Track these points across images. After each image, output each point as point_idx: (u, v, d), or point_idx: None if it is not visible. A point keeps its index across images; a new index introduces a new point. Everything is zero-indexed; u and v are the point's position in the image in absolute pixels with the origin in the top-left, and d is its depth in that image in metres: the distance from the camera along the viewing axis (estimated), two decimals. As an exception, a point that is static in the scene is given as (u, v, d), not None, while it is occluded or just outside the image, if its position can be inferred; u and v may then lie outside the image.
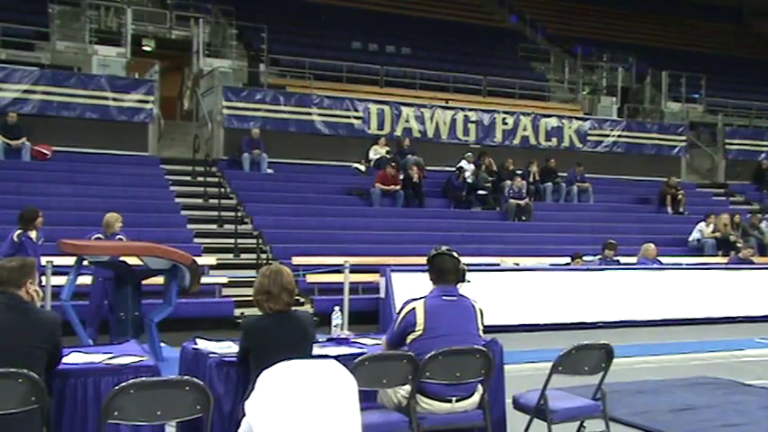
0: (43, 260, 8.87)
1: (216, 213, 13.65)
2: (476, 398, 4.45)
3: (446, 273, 4.49)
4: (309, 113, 16.47)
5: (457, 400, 4.37)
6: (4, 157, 13.60)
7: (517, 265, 12.81)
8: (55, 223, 10.59)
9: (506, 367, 5.04)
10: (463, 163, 16.37)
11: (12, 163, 13.60)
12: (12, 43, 15.81)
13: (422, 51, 21.08)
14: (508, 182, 16.21)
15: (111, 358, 4.16)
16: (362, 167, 16.31)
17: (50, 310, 5.27)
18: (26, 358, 3.55)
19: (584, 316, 11.36)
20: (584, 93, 22.09)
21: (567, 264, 13.02)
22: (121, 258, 8.12)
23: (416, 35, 21.89)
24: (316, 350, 4.34)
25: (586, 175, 17.81)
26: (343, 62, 18.82)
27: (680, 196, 17.78)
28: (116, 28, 17.29)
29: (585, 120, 19.51)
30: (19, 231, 8.75)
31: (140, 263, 8.14)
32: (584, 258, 13.05)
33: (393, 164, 15.41)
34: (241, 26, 18.70)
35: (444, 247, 4.59)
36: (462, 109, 18.02)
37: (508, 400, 4.87)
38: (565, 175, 17.70)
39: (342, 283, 10.62)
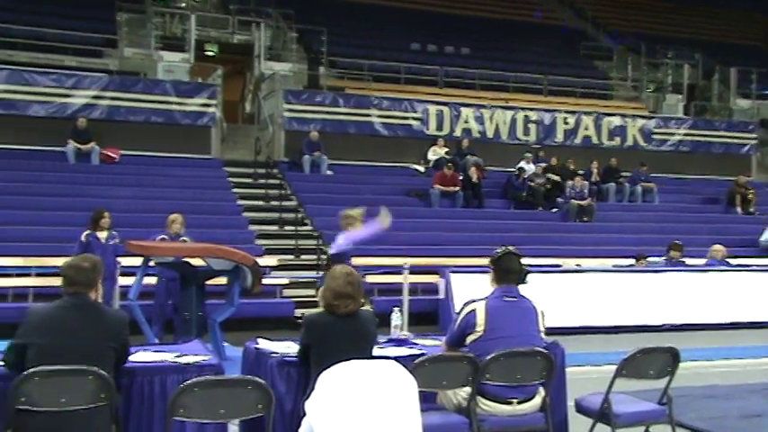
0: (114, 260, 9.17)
1: (277, 215, 13.81)
2: (537, 400, 4.40)
3: (510, 273, 4.45)
4: (368, 115, 16.53)
5: (518, 403, 4.32)
6: (75, 160, 14.05)
7: (579, 266, 12.60)
8: (121, 225, 10.88)
9: (568, 370, 4.96)
10: (522, 163, 16.21)
11: (82, 166, 14.03)
12: (82, 51, 16.31)
13: (481, 51, 20.94)
14: (569, 182, 15.98)
15: (176, 357, 4.25)
16: (421, 168, 16.30)
17: (118, 309, 5.41)
18: (96, 356, 3.65)
19: (648, 318, 11.11)
20: (649, 90, 21.62)
21: (631, 265, 12.75)
22: (185, 259, 8.29)
23: (476, 35, 21.75)
24: (375, 351, 4.34)
25: (651, 175, 17.42)
26: (402, 63, 18.84)
27: (750, 196, 17.24)
28: (180, 34, 17.69)
29: (650, 118, 19.09)
30: (87, 232, 9.05)
31: (204, 264, 8.29)
32: (649, 260, 12.76)
33: (450, 164, 15.36)
34: (301, 29, 18.89)
35: (511, 248, 4.56)
36: (522, 109, 17.84)
37: (570, 404, 4.79)
38: (628, 174, 17.35)
39: (401, 284, 10.62)
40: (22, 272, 10.59)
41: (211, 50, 18.90)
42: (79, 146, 14.02)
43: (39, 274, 10.35)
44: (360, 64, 18.61)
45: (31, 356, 3.60)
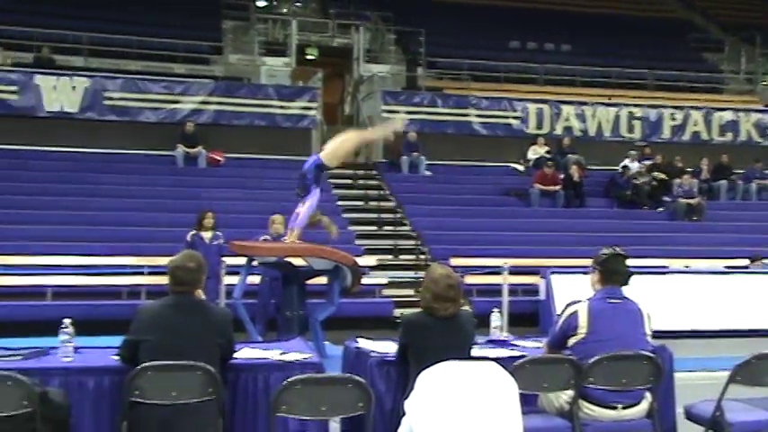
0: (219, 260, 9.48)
1: (376, 215, 13.93)
2: (643, 405, 4.25)
3: (616, 275, 4.32)
4: (467, 115, 16.43)
5: (623, 408, 4.19)
6: (183, 164, 14.63)
7: (687, 267, 12.11)
8: (226, 225, 11.23)
9: (676, 375, 4.78)
10: (627, 161, 15.73)
11: (189, 170, 14.59)
12: (190, 59, 16.98)
13: (582, 47, 20.43)
14: (677, 180, 15.38)
15: (279, 354, 4.35)
16: (521, 167, 16.08)
17: (223, 307, 5.59)
18: (203, 352, 3.78)
19: (763, 322, 10.55)
20: (765, 83, 20.53)
21: (746, 266, 12.15)
22: (287, 259, 8.46)
23: (576, 31, 21.23)
24: (475, 351, 4.31)
25: (766, 172, 16.55)
26: (501, 62, 18.64)
27: None
28: (282, 39, 18.12)
29: (765, 112, 18.13)
30: (192, 232, 9.40)
31: (305, 263, 8.44)
32: (765, 260, 12.13)
33: (551, 163, 15.07)
34: (399, 31, 18.98)
35: (618, 249, 4.43)
36: (626, 105, 17.30)
37: (679, 410, 4.61)
38: (741, 171, 16.55)
39: (501, 284, 10.50)
40: (136, 271, 11.11)
41: (312, 54, 19.26)
42: (187, 150, 14.59)
43: (151, 273, 10.81)
44: (458, 64, 18.53)
45: (143, 352, 3.77)
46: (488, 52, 19.34)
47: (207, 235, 9.48)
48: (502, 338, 5.11)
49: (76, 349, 4.20)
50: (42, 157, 14.00)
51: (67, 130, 14.33)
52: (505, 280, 10.49)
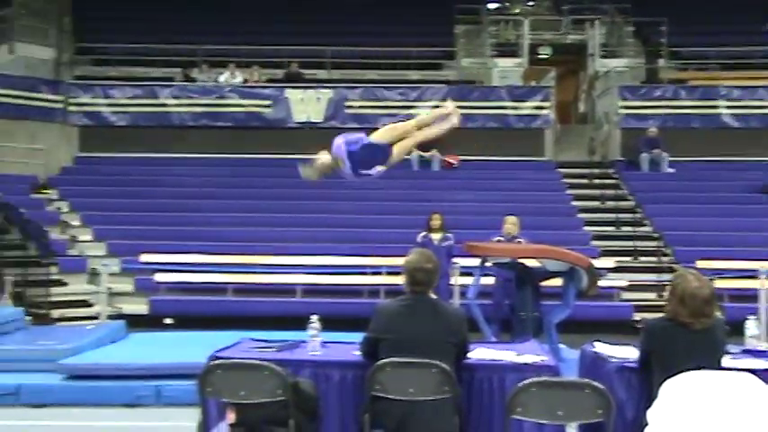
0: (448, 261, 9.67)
1: (613, 215, 13.42)
2: None
3: None
4: (715, 107, 15.33)
5: None
6: (418, 167, 15.09)
7: None
8: (460, 227, 11.41)
9: None
10: None
11: (423, 173, 15.03)
12: (423, 65, 17.50)
13: None
14: None
15: (514, 356, 4.32)
16: (780, 162, 14.62)
17: (457, 307, 5.67)
18: (439, 351, 3.85)
19: None
20: None
21: None
22: (521, 260, 8.40)
23: None
24: (727, 362, 3.98)
25: None
26: (755, 47, 17.06)
27: None
28: (514, 40, 18.06)
29: None
30: (423, 234, 9.66)
31: (539, 265, 8.33)
32: None
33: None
34: (638, 22, 18.10)
35: None
36: None
37: None
38: None
39: (757, 289, 9.61)
40: (375, 271, 11.65)
41: (544, 53, 18.97)
42: (422, 153, 15.02)
43: (389, 273, 11.27)
44: (704, 53, 17.26)
45: (382, 349, 3.93)
46: (739, 37, 17.77)
47: (436, 236, 9.68)
48: (760, 349, 4.68)
49: (323, 344, 4.48)
50: (292, 165, 15.13)
51: (312, 138, 15.37)
52: (763, 285, 9.58)
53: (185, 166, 15.15)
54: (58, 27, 16.93)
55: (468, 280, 8.99)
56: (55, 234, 12.79)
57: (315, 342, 4.42)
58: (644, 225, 13.22)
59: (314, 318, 4.47)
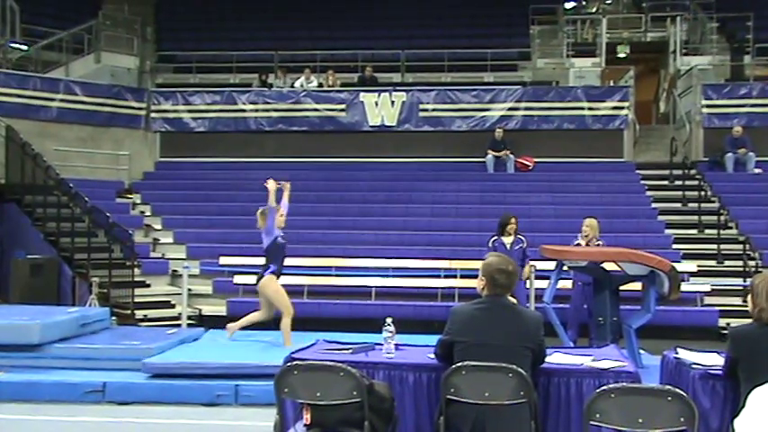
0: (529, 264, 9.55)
1: (696, 218, 13.00)
2: None
3: None
4: (808, 104, 14.66)
5: None
6: (492, 170, 14.97)
7: None
8: (536, 230, 11.26)
9: None
10: None
11: (498, 175, 14.89)
12: (498, 66, 17.36)
13: None
14: None
15: (592, 361, 4.23)
16: None
17: (534, 311, 5.59)
18: (514, 355, 3.81)
19: None
20: None
21: None
22: (599, 263, 8.22)
23: None
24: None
25: None
26: None
27: None
28: (591, 39, 17.72)
29: None
30: (494, 237, 9.51)
31: (618, 268, 8.13)
32: None
33: None
34: (723, 18, 17.50)
35: None
36: None
37: None
38: None
39: None
40: (449, 274, 11.59)
41: (623, 52, 18.55)
42: (497, 156, 14.89)
43: (462, 276, 11.20)
44: (793, 47, 16.57)
45: (457, 352, 3.90)
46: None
47: (508, 240, 9.53)
48: None
49: (397, 346, 4.49)
50: (365, 168, 15.26)
51: (386, 142, 15.49)
52: None
53: (262, 171, 15.41)
54: (140, 37, 17.51)
55: (545, 283, 8.85)
56: (138, 237, 13.22)
57: (389, 344, 4.43)
58: (729, 228, 12.75)
59: (388, 320, 4.48)
